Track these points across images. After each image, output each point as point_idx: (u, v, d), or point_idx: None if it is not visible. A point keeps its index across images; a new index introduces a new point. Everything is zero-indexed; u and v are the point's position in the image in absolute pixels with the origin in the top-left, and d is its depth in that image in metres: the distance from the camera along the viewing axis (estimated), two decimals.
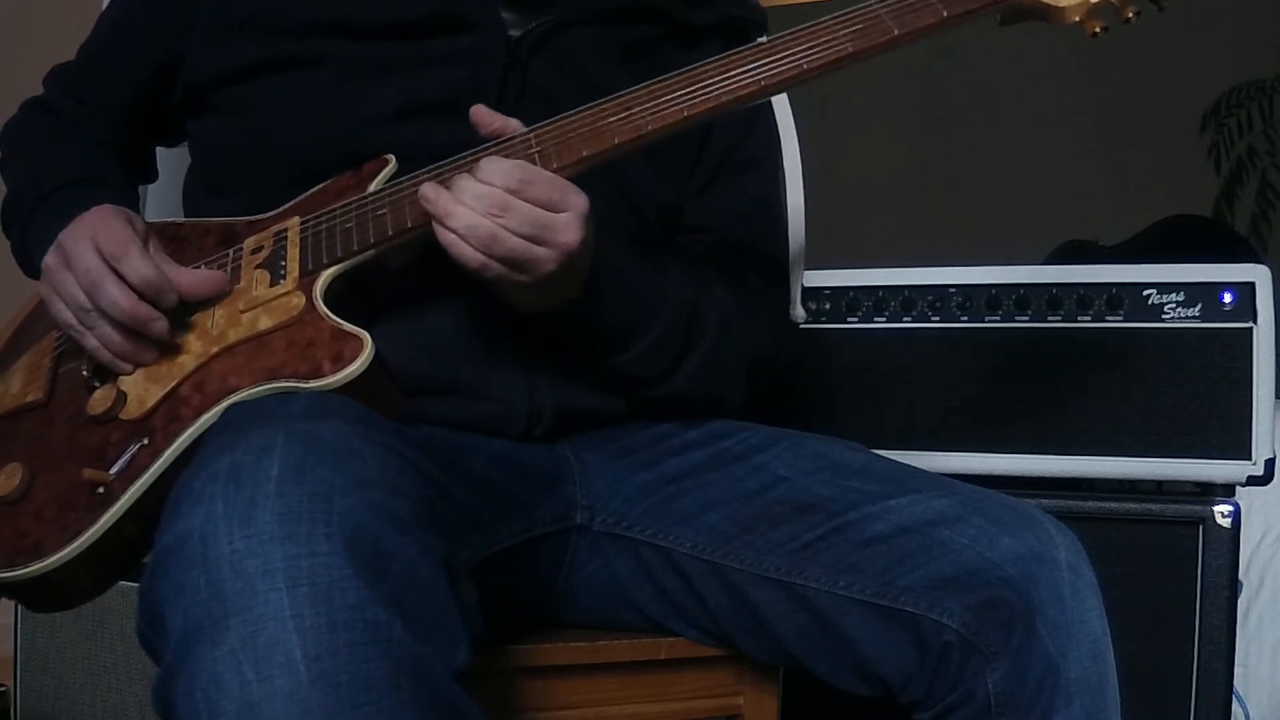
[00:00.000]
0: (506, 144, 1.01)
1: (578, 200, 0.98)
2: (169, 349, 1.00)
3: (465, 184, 0.96)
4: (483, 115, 1.02)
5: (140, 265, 0.99)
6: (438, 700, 0.73)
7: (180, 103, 1.18)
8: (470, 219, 0.95)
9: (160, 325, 0.99)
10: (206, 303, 1.02)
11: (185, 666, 0.70)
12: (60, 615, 1.59)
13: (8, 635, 1.64)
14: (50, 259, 1.03)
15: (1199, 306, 1.43)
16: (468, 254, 0.96)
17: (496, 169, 0.97)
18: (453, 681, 0.75)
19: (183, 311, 1.01)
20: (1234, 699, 1.43)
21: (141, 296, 0.99)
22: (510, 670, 1.05)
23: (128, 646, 1.52)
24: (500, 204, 0.95)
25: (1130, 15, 1.03)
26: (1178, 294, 1.44)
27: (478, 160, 0.99)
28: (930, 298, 1.53)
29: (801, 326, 1.53)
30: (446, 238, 0.96)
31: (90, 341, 1.01)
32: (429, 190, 0.98)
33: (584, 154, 0.99)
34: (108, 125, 1.21)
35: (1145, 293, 1.45)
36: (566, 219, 0.97)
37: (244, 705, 0.68)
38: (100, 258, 0.99)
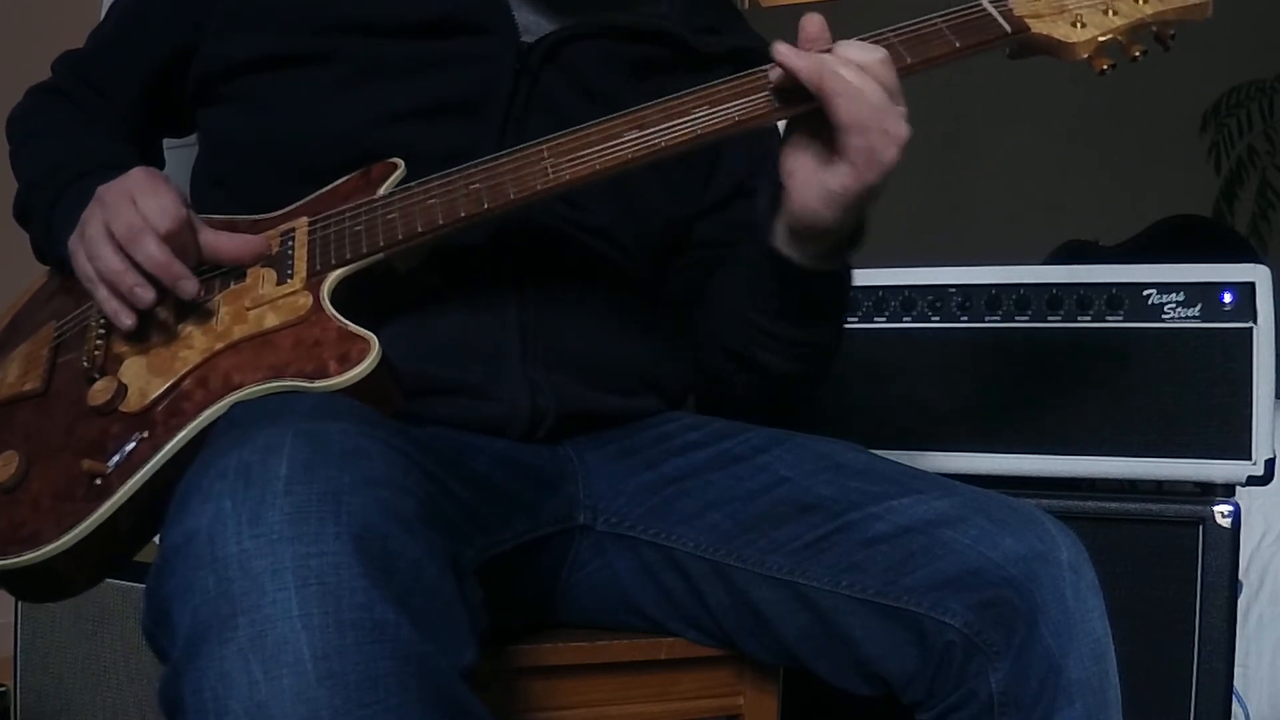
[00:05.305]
0: (519, 152, 1.01)
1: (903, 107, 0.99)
2: (173, 342, 0.99)
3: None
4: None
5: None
6: (445, 700, 0.73)
7: (191, 93, 1.18)
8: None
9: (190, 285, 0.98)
10: (211, 298, 1.01)
11: (193, 665, 0.70)
12: (60, 615, 1.59)
13: (8, 635, 1.64)
14: (100, 193, 1.01)
15: (1199, 306, 1.43)
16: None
17: (855, 46, 0.97)
18: (460, 681, 0.75)
19: (187, 306, 1.00)
20: (1234, 699, 1.43)
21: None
22: (510, 670, 1.05)
23: (128, 646, 1.52)
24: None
25: (1136, 54, 1.04)
26: (1178, 294, 1.44)
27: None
28: (930, 298, 1.52)
29: None
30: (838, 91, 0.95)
31: (141, 250, 0.98)
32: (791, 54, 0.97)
33: (597, 167, 0.99)
34: (120, 112, 1.21)
35: (1145, 293, 1.45)
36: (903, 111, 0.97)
37: (252, 704, 0.68)
38: (138, 213, 0.98)
